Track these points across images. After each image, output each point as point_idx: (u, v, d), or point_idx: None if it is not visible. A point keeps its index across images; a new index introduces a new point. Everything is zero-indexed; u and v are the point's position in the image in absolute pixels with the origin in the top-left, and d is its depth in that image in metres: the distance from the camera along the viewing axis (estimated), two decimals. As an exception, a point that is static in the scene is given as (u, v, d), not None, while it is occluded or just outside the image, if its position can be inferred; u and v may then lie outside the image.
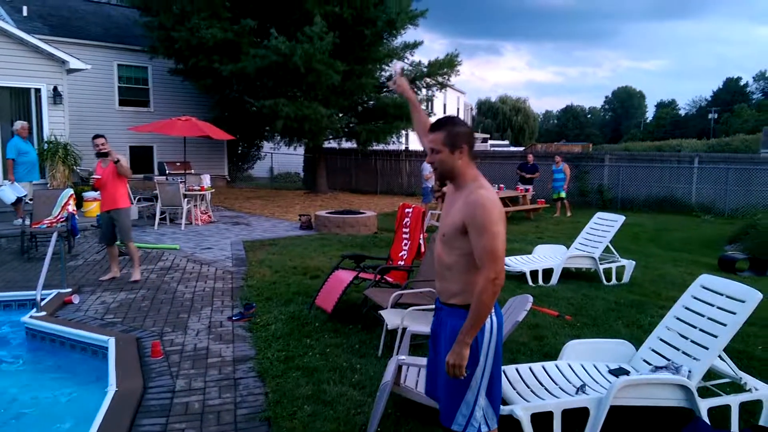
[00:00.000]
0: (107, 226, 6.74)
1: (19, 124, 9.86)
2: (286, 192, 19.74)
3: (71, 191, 8.70)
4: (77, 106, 15.29)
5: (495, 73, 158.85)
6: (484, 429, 2.43)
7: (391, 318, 4.42)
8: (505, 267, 7.74)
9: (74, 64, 12.21)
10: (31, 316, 5.14)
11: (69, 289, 6.02)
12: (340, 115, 17.71)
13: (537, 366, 3.70)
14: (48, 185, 11.23)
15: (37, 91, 11.91)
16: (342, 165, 21.36)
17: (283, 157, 23.72)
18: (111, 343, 4.43)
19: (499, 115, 60.99)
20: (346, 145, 20.42)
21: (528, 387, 3.40)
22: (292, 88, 15.64)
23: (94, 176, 6.63)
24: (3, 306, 5.80)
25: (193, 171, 14.29)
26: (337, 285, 5.37)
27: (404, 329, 4.09)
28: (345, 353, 4.49)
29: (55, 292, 5.87)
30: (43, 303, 5.43)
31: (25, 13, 16.16)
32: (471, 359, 2.35)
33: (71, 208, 8.38)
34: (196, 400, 3.67)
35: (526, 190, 14.56)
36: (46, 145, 11.51)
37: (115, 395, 3.57)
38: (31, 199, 8.93)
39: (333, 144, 20.41)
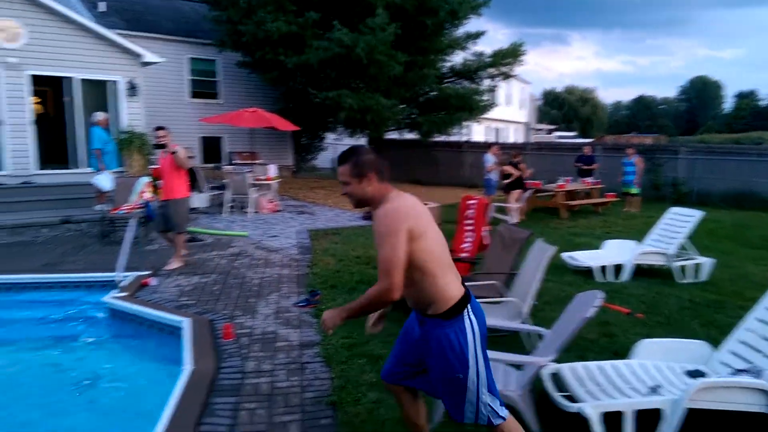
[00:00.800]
0: (161, 214, 6.98)
1: (100, 115, 10.37)
2: (348, 182, 19.92)
3: (148, 179, 9.12)
4: (151, 98, 15.98)
5: (561, 62, 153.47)
6: (497, 421, 2.48)
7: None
8: (572, 262, 7.44)
9: (148, 57, 12.72)
10: (112, 297, 5.47)
11: (147, 272, 6.35)
12: (402, 105, 17.70)
13: (606, 364, 3.59)
14: (126, 174, 11.83)
15: (114, 83, 12.52)
16: (404, 156, 21.33)
17: (346, 147, 23.95)
18: (186, 324, 4.65)
19: (565, 106, 59.39)
20: (408, 136, 20.40)
21: (598, 385, 3.32)
22: (355, 79, 15.74)
23: (152, 166, 6.88)
24: (86, 286, 6.17)
25: (259, 161, 14.68)
26: (400, 275, 5.39)
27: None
28: (408, 343, 4.51)
29: (134, 274, 6.20)
30: (122, 284, 5.77)
31: (101, 9, 16.99)
32: (461, 364, 2.42)
33: (147, 195, 8.80)
34: (265, 382, 3.80)
35: (595, 183, 14.09)
36: (123, 135, 12.12)
37: (191, 374, 3.75)
38: (110, 187, 9.43)
39: (395, 135, 20.44)
